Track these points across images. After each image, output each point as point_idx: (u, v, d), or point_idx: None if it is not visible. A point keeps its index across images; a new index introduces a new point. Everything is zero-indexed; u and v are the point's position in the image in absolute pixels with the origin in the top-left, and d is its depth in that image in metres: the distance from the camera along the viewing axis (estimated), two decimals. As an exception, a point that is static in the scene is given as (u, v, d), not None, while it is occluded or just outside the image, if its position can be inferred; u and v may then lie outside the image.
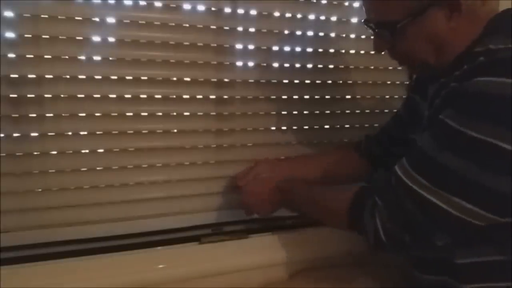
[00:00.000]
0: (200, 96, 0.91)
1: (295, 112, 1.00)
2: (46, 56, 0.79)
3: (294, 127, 1.01)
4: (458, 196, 0.58)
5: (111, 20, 0.81)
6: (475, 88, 0.56)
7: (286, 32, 0.95)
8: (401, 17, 0.65)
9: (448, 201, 0.58)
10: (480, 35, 0.64)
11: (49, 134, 0.82)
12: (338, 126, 1.05)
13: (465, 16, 0.64)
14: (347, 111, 1.04)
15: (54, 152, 0.83)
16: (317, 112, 1.02)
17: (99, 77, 0.82)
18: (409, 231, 0.64)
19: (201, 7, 0.87)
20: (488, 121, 0.55)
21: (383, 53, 0.74)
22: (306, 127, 1.02)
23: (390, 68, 1.06)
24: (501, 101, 0.55)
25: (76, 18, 0.79)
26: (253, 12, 0.91)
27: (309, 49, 0.98)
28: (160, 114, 0.89)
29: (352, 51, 1.02)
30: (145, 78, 0.85)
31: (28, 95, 0.79)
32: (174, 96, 0.89)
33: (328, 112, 1.03)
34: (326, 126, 1.04)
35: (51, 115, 0.81)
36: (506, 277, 0.62)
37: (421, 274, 0.72)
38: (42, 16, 0.77)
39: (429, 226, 0.62)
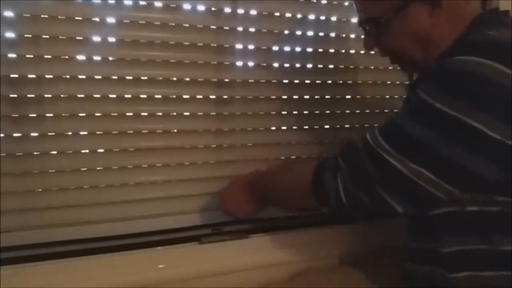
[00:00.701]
0: (200, 96, 0.91)
1: (295, 112, 1.00)
2: (46, 56, 0.79)
3: (294, 127, 1.00)
4: (418, 164, 0.60)
5: (111, 20, 0.81)
6: (452, 66, 0.59)
7: (286, 32, 0.95)
8: (384, 13, 0.69)
9: (408, 167, 0.60)
10: (462, 34, 0.66)
11: (49, 134, 0.82)
12: (338, 126, 1.05)
13: (447, 13, 0.67)
14: (347, 111, 1.04)
15: (54, 152, 0.83)
16: (317, 112, 1.02)
17: (99, 77, 0.82)
18: (368, 193, 0.65)
19: (201, 7, 0.87)
20: (457, 96, 0.57)
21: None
22: (306, 127, 1.02)
23: (390, 68, 1.06)
24: (473, 79, 0.57)
25: (76, 18, 0.79)
26: (253, 12, 0.91)
27: (309, 49, 0.98)
28: (160, 114, 0.89)
29: (352, 51, 1.02)
30: (145, 78, 0.85)
31: (28, 95, 0.79)
32: (174, 96, 0.89)
33: (328, 112, 1.03)
34: (326, 126, 1.04)
35: (51, 115, 0.81)
36: (492, 266, 0.63)
37: (413, 265, 0.73)
38: (42, 16, 0.77)
39: (387, 189, 0.63)
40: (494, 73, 0.56)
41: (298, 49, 0.97)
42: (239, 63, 0.93)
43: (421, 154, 0.60)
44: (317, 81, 1.01)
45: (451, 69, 0.59)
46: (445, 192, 0.61)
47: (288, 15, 0.95)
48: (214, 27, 0.89)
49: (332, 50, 1.01)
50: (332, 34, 1.00)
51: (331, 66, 1.01)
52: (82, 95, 0.82)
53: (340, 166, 0.68)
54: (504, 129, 0.56)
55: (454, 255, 0.64)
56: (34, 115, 0.80)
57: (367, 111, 1.06)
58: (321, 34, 0.99)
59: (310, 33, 0.97)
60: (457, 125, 0.57)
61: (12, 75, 0.77)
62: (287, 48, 0.96)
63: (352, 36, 1.02)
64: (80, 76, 0.81)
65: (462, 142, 0.58)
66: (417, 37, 0.69)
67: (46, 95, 0.80)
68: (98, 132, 0.85)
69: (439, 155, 0.59)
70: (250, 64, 0.94)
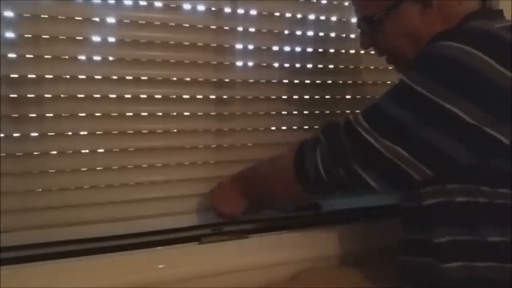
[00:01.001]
0: (200, 96, 0.91)
1: (295, 112, 1.00)
2: (46, 56, 0.79)
3: (294, 127, 1.00)
4: (393, 142, 0.62)
5: (111, 20, 0.81)
6: (431, 50, 0.61)
7: (286, 32, 0.95)
8: (378, 12, 0.71)
9: (384, 144, 0.62)
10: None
11: (49, 134, 0.82)
12: (338, 126, 1.05)
13: (438, 12, 0.69)
14: (347, 111, 1.04)
15: (54, 152, 0.83)
16: (317, 112, 1.02)
17: (99, 77, 0.82)
18: (345, 169, 0.67)
19: (201, 7, 0.87)
20: (434, 80, 0.59)
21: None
22: (306, 127, 1.02)
23: (390, 68, 1.06)
24: (450, 63, 0.59)
25: (76, 18, 0.79)
26: (253, 12, 0.91)
27: (309, 49, 0.98)
28: (160, 114, 0.89)
29: (352, 51, 1.02)
30: (145, 78, 0.85)
31: (28, 95, 0.79)
32: (174, 96, 0.89)
33: (328, 112, 1.03)
34: (326, 126, 1.04)
35: (51, 115, 0.81)
36: (481, 257, 0.63)
37: (407, 256, 0.73)
38: (42, 16, 0.77)
39: (364, 165, 0.65)
40: (471, 58, 0.57)
41: (298, 49, 0.97)
42: (239, 63, 0.93)
43: (397, 133, 0.62)
44: (317, 81, 1.01)
45: (430, 53, 0.61)
46: (420, 173, 0.62)
47: (288, 15, 0.95)
48: (214, 27, 0.89)
49: (332, 50, 1.01)
50: (332, 34, 1.00)
51: (331, 66, 1.01)
52: (82, 95, 0.82)
53: (320, 140, 0.71)
54: (480, 114, 0.57)
55: (446, 246, 0.65)
56: (34, 115, 0.80)
57: (367, 111, 1.06)
58: (321, 34, 0.99)
59: (310, 33, 0.97)
60: (433, 107, 0.59)
61: (12, 75, 0.77)
62: (287, 48, 0.96)
63: (352, 36, 1.02)
64: (80, 76, 0.81)
65: (438, 124, 0.60)
66: (409, 36, 0.70)
67: (46, 95, 0.80)
68: (98, 132, 0.85)
69: (415, 135, 0.61)
70: (250, 64, 0.94)
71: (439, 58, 0.60)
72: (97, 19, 0.80)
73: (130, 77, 0.84)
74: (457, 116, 0.58)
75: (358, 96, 1.05)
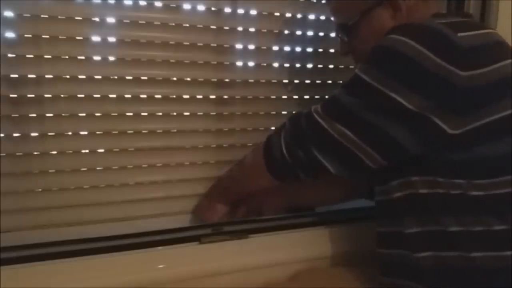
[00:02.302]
0: (200, 96, 0.91)
1: (295, 112, 0.99)
2: (46, 56, 0.79)
3: (294, 127, 1.00)
4: (341, 124, 0.67)
5: (111, 20, 0.81)
6: (379, 43, 0.65)
7: (286, 32, 0.95)
8: (352, 17, 0.75)
9: (333, 126, 0.68)
10: None
11: (49, 134, 0.82)
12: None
13: (407, 16, 0.72)
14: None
15: (54, 152, 0.83)
16: (317, 112, 1.02)
17: (99, 77, 0.82)
18: (303, 149, 0.72)
19: (201, 7, 0.87)
20: (376, 68, 0.64)
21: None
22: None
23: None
24: (388, 53, 0.63)
25: (76, 18, 0.79)
26: (253, 12, 0.91)
27: (309, 49, 0.98)
28: (160, 114, 0.89)
29: (352, 51, 1.02)
30: (145, 78, 0.85)
31: (28, 95, 0.79)
32: (174, 96, 0.89)
33: (328, 112, 1.03)
34: (326, 126, 1.04)
35: (51, 115, 0.81)
36: (446, 247, 0.64)
37: (382, 249, 0.74)
38: (42, 16, 0.77)
39: (319, 147, 0.70)
40: (406, 48, 0.61)
41: (298, 49, 0.97)
42: (239, 63, 0.93)
43: (346, 118, 0.67)
44: (317, 81, 1.01)
45: (377, 45, 0.66)
46: (370, 158, 0.67)
47: (288, 15, 0.95)
48: (214, 27, 0.89)
49: (332, 50, 1.01)
50: (332, 34, 1.00)
51: (331, 66, 1.01)
52: (82, 95, 0.82)
53: (285, 125, 0.77)
54: (419, 100, 0.60)
55: (416, 236, 0.67)
56: (34, 115, 0.80)
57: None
58: (321, 34, 0.99)
59: (310, 33, 0.97)
60: (376, 94, 0.63)
61: (12, 75, 0.77)
62: (287, 48, 0.96)
63: (352, 36, 1.02)
64: (80, 76, 0.81)
65: (381, 110, 0.64)
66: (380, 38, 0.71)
67: (46, 95, 0.80)
68: (98, 132, 0.85)
69: (362, 120, 0.65)
70: (250, 64, 0.94)
71: (381, 49, 0.65)
72: (97, 19, 0.80)
73: (130, 77, 0.84)
74: (398, 103, 0.61)
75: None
